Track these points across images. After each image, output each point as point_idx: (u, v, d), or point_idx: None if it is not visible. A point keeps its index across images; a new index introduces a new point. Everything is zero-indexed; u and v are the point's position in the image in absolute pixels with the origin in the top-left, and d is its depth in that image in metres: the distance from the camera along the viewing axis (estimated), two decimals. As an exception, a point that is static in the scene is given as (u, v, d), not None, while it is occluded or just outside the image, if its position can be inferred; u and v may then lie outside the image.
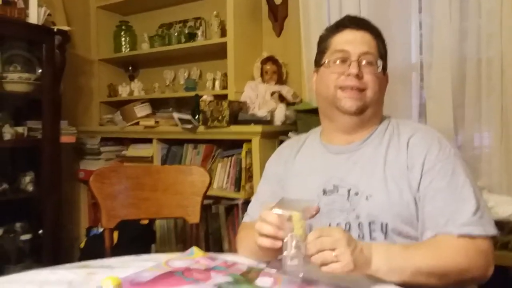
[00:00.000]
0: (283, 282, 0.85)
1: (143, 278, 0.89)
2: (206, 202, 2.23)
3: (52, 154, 2.40)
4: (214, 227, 2.36)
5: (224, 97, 2.44)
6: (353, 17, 1.17)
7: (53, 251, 2.35)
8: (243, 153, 2.22)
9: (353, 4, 2.14)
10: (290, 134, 2.13)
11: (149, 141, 2.67)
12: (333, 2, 2.24)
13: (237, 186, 2.26)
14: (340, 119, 1.11)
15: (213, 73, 2.67)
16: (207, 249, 2.29)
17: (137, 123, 2.67)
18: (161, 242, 2.55)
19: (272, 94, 2.35)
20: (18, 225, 2.37)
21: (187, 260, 1.01)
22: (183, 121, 2.36)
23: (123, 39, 3.13)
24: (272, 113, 2.24)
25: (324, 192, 1.06)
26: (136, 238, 2.36)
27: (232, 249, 2.18)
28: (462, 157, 1.06)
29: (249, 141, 2.19)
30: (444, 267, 0.89)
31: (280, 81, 2.47)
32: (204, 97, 2.33)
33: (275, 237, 0.84)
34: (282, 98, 2.35)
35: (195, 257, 1.03)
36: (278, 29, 2.57)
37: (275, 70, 2.45)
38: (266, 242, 0.85)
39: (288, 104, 2.33)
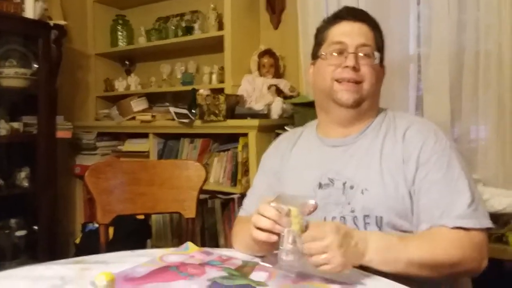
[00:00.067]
0: (278, 276, 0.85)
1: (137, 274, 0.88)
2: (202, 196, 2.23)
3: (47, 149, 2.39)
4: (210, 222, 2.36)
5: (221, 90, 2.43)
6: (351, 9, 1.15)
7: (48, 247, 2.34)
8: (240, 147, 2.21)
9: (351, -4, 2.12)
10: (287, 127, 2.11)
11: (145, 135, 2.66)
12: (331, -6, 2.22)
13: (234, 180, 2.25)
14: (337, 112, 1.10)
15: (210, 66, 2.66)
16: (203, 244, 2.29)
17: (134, 118, 2.66)
18: (157, 237, 2.55)
19: (269, 87, 2.33)
20: (13, 221, 2.36)
21: (182, 255, 1.00)
22: (179, 115, 2.35)
23: (119, 33, 3.11)
24: (269, 106, 2.22)
25: (320, 185, 1.05)
26: (132, 233, 2.35)
27: (228, 244, 2.18)
28: (458, 149, 1.05)
29: (246, 135, 2.18)
30: (438, 260, 0.89)
31: (277, 74, 2.45)
32: (201, 91, 2.31)
33: (271, 231, 0.84)
34: (279, 92, 2.34)
35: (190, 252, 1.03)
36: (276, 22, 2.55)
37: (272, 63, 2.43)
38: (262, 236, 0.85)
39: (285, 97, 2.31)
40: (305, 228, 0.81)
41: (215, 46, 2.54)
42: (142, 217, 2.45)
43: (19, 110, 2.42)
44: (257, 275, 0.87)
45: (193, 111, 2.34)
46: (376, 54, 1.09)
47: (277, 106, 2.22)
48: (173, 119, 2.39)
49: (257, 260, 0.96)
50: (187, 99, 2.51)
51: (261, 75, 2.42)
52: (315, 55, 1.16)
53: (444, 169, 0.98)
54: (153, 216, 2.53)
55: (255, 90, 2.35)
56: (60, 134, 2.53)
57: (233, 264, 0.94)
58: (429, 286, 0.94)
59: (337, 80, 1.07)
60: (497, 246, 1.61)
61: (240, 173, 2.21)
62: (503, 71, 1.79)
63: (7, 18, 2.23)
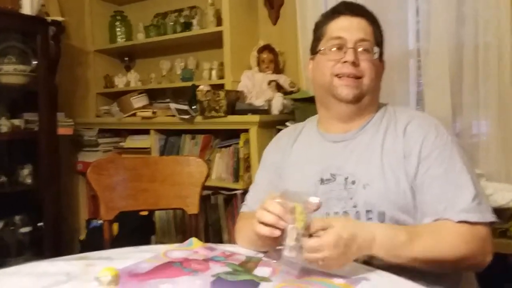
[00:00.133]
0: (282, 272, 0.85)
1: (141, 269, 0.89)
2: (205, 193, 2.24)
3: (49, 146, 2.40)
4: (214, 218, 2.37)
5: (221, 86, 2.43)
6: (349, 3, 1.15)
7: (53, 244, 2.35)
8: (241, 143, 2.22)
9: (349, -10, 2.12)
10: (287, 123, 2.12)
11: (146, 132, 2.66)
12: (330, -11, 2.21)
13: (236, 176, 2.26)
14: (337, 107, 1.10)
15: (210, 62, 2.66)
16: (207, 240, 2.30)
17: (134, 114, 2.66)
18: (161, 233, 2.56)
19: (269, 83, 2.33)
20: (17, 218, 2.37)
21: (186, 250, 1.01)
22: (180, 111, 2.35)
23: (118, 29, 3.10)
24: (269, 102, 2.23)
25: (322, 181, 1.06)
26: (136, 230, 2.37)
27: (232, 240, 2.18)
28: (460, 143, 1.05)
29: (247, 131, 2.18)
30: (442, 255, 0.90)
31: (277, 70, 2.45)
32: (201, 87, 2.31)
33: (275, 227, 0.84)
34: (279, 87, 2.34)
35: (194, 247, 1.03)
36: (274, 17, 2.55)
37: (272, 59, 2.43)
38: (265, 230, 0.85)
39: (286, 93, 2.31)
40: (308, 226, 0.82)
41: (214, 41, 2.54)
42: (146, 213, 2.46)
43: (20, 107, 2.42)
44: (261, 271, 0.87)
45: (193, 107, 2.34)
46: (376, 49, 1.09)
47: (278, 102, 2.23)
48: (174, 115, 2.39)
49: (261, 255, 0.97)
50: (187, 95, 2.51)
51: (260, 70, 2.41)
52: (314, 50, 1.16)
53: (446, 164, 0.98)
54: (157, 213, 2.54)
55: (255, 85, 2.35)
56: (62, 131, 2.53)
57: (236, 259, 0.95)
58: (433, 277, 0.95)
59: (336, 75, 1.07)
60: (501, 240, 1.61)
61: (242, 169, 2.22)
62: (502, 64, 1.79)
63: (4, 15, 2.22)
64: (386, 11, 2.03)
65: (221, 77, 2.56)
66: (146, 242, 2.46)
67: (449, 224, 0.92)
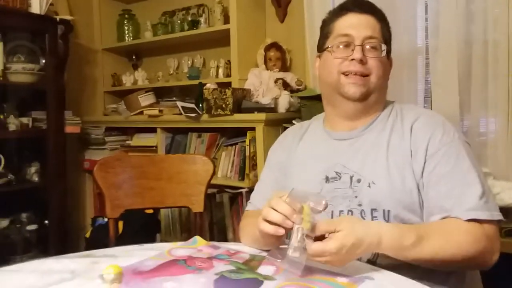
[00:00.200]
0: (286, 270, 0.85)
1: (146, 267, 0.89)
2: (210, 191, 2.24)
3: (57, 144, 2.41)
4: (219, 216, 2.36)
5: (228, 84, 2.43)
6: (357, 0, 1.13)
7: (59, 241, 2.37)
8: (247, 141, 2.21)
9: (357, -12, 2.10)
10: (294, 121, 2.11)
11: (153, 130, 2.67)
12: (337, -14, 2.20)
13: (241, 174, 2.26)
14: (344, 105, 1.09)
15: (217, 60, 2.66)
16: (211, 238, 2.29)
17: (141, 113, 2.67)
18: (166, 231, 2.56)
19: (276, 81, 2.33)
20: (24, 215, 2.39)
21: (190, 248, 1.01)
22: (186, 109, 2.35)
23: (126, 27, 3.11)
24: (276, 100, 2.22)
25: (327, 179, 1.05)
26: (141, 228, 2.38)
27: (237, 238, 2.18)
28: (467, 141, 1.04)
29: (253, 129, 2.18)
30: (452, 255, 0.88)
31: (284, 67, 2.44)
32: (208, 85, 2.31)
33: (280, 226, 0.84)
34: (286, 85, 2.33)
35: (198, 245, 1.03)
36: (282, 15, 2.54)
37: (279, 56, 2.42)
38: (269, 228, 0.85)
39: (292, 91, 2.31)
40: (314, 227, 0.81)
41: (221, 40, 2.54)
42: (151, 211, 2.47)
43: (28, 106, 2.44)
44: (264, 269, 0.87)
45: (200, 105, 2.34)
46: (383, 46, 1.07)
47: (284, 100, 2.22)
48: (181, 114, 2.40)
49: (265, 254, 0.96)
50: (194, 93, 2.51)
51: (267, 68, 2.41)
52: (321, 48, 1.15)
53: (453, 161, 0.97)
54: (162, 211, 2.55)
55: (262, 83, 2.35)
56: (69, 129, 2.55)
57: (240, 258, 0.94)
58: (438, 276, 0.94)
59: (343, 73, 1.06)
60: (508, 240, 1.59)
61: (248, 167, 2.21)
62: (512, 61, 1.77)
63: (13, 14, 2.24)
64: (395, 8, 2.02)
65: (228, 75, 2.56)
66: (151, 240, 2.46)
67: (457, 223, 0.91)
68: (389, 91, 1.15)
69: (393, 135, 1.04)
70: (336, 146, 1.10)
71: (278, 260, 0.86)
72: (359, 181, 1.01)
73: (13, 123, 2.29)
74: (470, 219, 0.90)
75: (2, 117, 2.28)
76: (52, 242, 2.37)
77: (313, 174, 1.07)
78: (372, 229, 0.86)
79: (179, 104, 2.39)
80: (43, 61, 2.41)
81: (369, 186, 1.00)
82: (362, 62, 1.05)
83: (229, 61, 2.54)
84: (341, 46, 1.07)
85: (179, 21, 2.82)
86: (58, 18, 2.43)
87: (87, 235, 2.62)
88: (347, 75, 1.06)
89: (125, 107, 2.77)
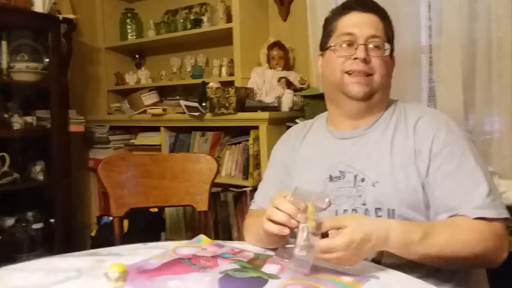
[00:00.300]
0: (290, 269, 0.85)
1: (150, 266, 0.89)
2: (214, 190, 2.24)
3: (61, 143, 2.42)
4: (223, 215, 2.37)
5: (231, 83, 2.43)
6: None
7: (64, 240, 2.38)
8: (251, 140, 2.22)
9: (360, -14, 2.10)
10: (297, 120, 2.11)
11: (157, 129, 2.68)
12: (340, -15, 2.19)
13: (245, 173, 2.26)
14: (347, 105, 1.09)
15: (220, 59, 2.66)
16: (216, 237, 2.30)
17: (145, 111, 2.68)
18: (170, 230, 2.57)
19: (279, 80, 2.33)
20: (29, 214, 2.40)
21: (194, 247, 1.01)
22: (190, 108, 2.36)
23: (129, 26, 3.12)
24: (279, 99, 2.22)
25: (331, 178, 1.05)
26: (146, 226, 2.38)
27: (241, 237, 2.19)
28: (471, 139, 1.04)
29: (256, 128, 2.18)
30: (459, 253, 0.88)
31: (287, 66, 2.44)
32: (211, 84, 2.32)
33: (284, 225, 0.84)
34: (289, 84, 2.33)
35: (202, 244, 1.04)
36: (285, 13, 2.54)
37: (282, 55, 2.42)
38: (274, 228, 0.85)
39: (296, 90, 2.31)
40: (319, 225, 0.82)
41: (224, 38, 2.54)
42: (156, 210, 2.48)
43: (32, 104, 2.45)
44: (269, 268, 0.87)
45: (203, 104, 2.35)
46: (387, 45, 1.07)
47: (287, 99, 2.22)
48: (184, 113, 2.40)
49: (269, 253, 0.97)
50: (197, 92, 2.52)
51: (270, 67, 2.41)
52: (323, 46, 1.14)
53: (458, 160, 0.97)
54: (167, 210, 2.56)
55: (265, 82, 2.35)
56: (73, 128, 2.56)
57: (245, 256, 0.95)
58: (444, 275, 0.94)
59: (347, 72, 1.06)
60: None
61: (251, 166, 2.22)
62: (516, 59, 1.76)
63: (17, 13, 2.25)
64: (398, 6, 2.01)
65: (231, 74, 2.57)
66: (156, 238, 2.47)
67: (465, 220, 0.91)
68: (393, 90, 1.15)
69: (397, 134, 1.04)
70: (340, 145, 1.10)
71: (285, 260, 0.86)
72: (363, 180, 1.01)
73: (17, 122, 2.30)
74: (478, 218, 0.90)
75: (6, 116, 2.29)
76: (57, 241, 2.38)
77: (317, 173, 1.07)
78: (379, 224, 0.87)
79: (183, 103, 2.40)
80: (47, 60, 2.42)
81: (373, 185, 0.99)
82: (366, 61, 1.04)
83: (232, 60, 2.54)
84: (344, 45, 1.07)
85: (181, 20, 2.82)
86: (61, 17, 2.44)
87: (93, 233, 2.64)
88: (350, 74, 1.06)
89: (128, 106, 2.77)
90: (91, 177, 2.98)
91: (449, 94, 1.91)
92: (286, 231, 0.84)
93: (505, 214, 0.93)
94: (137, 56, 3.22)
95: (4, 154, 2.25)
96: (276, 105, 2.20)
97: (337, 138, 1.12)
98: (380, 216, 0.98)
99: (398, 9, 1.99)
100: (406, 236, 0.86)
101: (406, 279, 0.83)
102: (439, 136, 0.99)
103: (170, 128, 2.64)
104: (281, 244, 0.89)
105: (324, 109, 1.22)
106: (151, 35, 2.95)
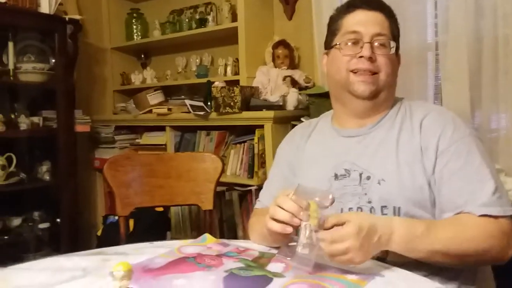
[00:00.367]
0: (295, 268, 0.85)
1: (155, 264, 0.89)
2: (219, 189, 2.24)
3: (67, 143, 2.43)
4: (228, 214, 2.37)
5: (236, 82, 2.43)
6: None
7: (71, 239, 2.40)
8: (256, 139, 2.22)
9: (366, -16, 2.09)
10: (302, 119, 2.11)
11: (162, 128, 2.68)
12: (345, -17, 2.18)
13: (250, 172, 2.26)
14: (353, 103, 1.09)
15: (225, 58, 2.66)
16: (222, 236, 2.31)
17: (150, 111, 2.68)
18: (176, 229, 2.58)
19: (284, 78, 2.32)
20: (36, 214, 2.42)
21: (199, 246, 1.01)
22: (195, 107, 2.36)
23: (134, 26, 3.13)
24: (284, 98, 2.22)
25: (336, 176, 1.05)
26: (152, 226, 2.39)
27: (246, 236, 2.19)
28: (478, 136, 1.03)
29: (262, 126, 2.18)
30: (465, 249, 0.88)
31: (292, 65, 2.44)
32: (216, 83, 2.32)
33: (287, 224, 0.84)
34: (294, 83, 2.32)
35: (207, 243, 1.04)
36: (290, 12, 2.53)
37: (287, 54, 2.42)
38: (277, 227, 0.85)
39: (301, 88, 2.30)
40: (322, 223, 0.81)
41: (229, 38, 2.54)
42: (161, 209, 2.48)
43: (39, 105, 2.47)
44: (274, 266, 0.87)
45: (208, 103, 2.35)
46: (392, 43, 1.06)
47: (293, 97, 2.22)
48: (189, 112, 2.40)
49: (274, 251, 0.97)
50: (202, 91, 2.52)
51: (275, 66, 2.41)
52: (328, 45, 1.14)
53: (464, 158, 0.96)
54: (172, 209, 2.56)
55: (270, 81, 2.35)
56: (79, 128, 2.57)
57: (250, 255, 0.95)
58: (449, 273, 0.94)
59: (352, 71, 1.05)
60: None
61: (256, 165, 2.22)
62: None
63: (23, 14, 2.27)
64: (404, 4, 2.00)
65: (236, 73, 2.57)
66: (162, 238, 2.48)
67: (470, 218, 0.91)
68: (399, 88, 1.15)
69: (403, 132, 1.04)
70: (345, 143, 1.09)
71: (288, 258, 0.86)
72: (368, 178, 1.01)
73: (24, 122, 2.31)
74: (483, 215, 0.90)
75: (13, 116, 2.30)
76: (64, 240, 2.39)
77: (322, 171, 1.07)
78: (382, 220, 0.89)
79: (188, 102, 2.40)
80: (53, 60, 2.44)
81: (379, 183, 0.99)
82: (371, 59, 1.04)
83: (237, 59, 2.54)
84: (349, 43, 1.06)
85: (187, 20, 2.83)
86: (67, 17, 2.45)
87: (99, 233, 2.65)
88: (356, 72, 1.05)
89: (134, 105, 2.78)
90: (97, 177, 2.99)
91: (455, 91, 1.89)
92: (289, 229, 0.84)
93: (511, 211, 0.92)
94: (142, 56, 3.23)
95: (11, 154, 2.27)
96: (281, 104, 2.19)
97: (342, 136, 1.12)
98: (386, 214, 0.98)
99: (404, 7, 1.98)
100: (410, 230, 0.87)
101: (411, 277, 0.83)
102: (446, 133, 0.99)
103: (175, 128, 2.65)
104: (285, 242, 0.88)
105: (329, 107, 1.22)
106: (156, 35, 2.96)
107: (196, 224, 2.54)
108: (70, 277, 0.86)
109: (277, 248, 0.97)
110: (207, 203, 1.56)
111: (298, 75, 2.36)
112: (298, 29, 2.50)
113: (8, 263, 0.94)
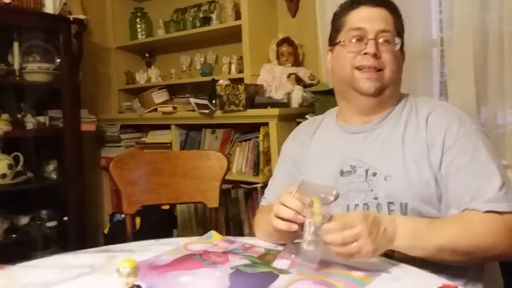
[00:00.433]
0: (300, 264, 0.85)
1: (162, 262, 0.90)
2: (225, 186, 2.25)
3: (73, 142, 2.45)
4: (234, 212, 2.37)
5: (240, 80, 2.43)
6: None
7: (78, 237, 2.41)
8: (261, 136, 2.22)
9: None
10: (307, 116, 2.11)
11: (167, 127, 2.69)
12: (349, -21, 2.17)
13: (256, 170, 2.26)
14: (358, 100, 1.08)
15: (229, 57, 2.66)
16: (228, 233, 2.31)
17: (155, 110, 2.69)
18: (182, 227, 2.58)
19: (289, 76, 2.32)
20: (43, 212, 2.43)
21: (205, 243, 1.02)
22: (200, 106, 2.37)
23: (138, 25, 3.14)
24: (289, 95, 2.22)
25: (342, 173, 1.05)
26: (158, 224, 2.40)
27: (252, 233, 2.19)
28: (485, 132, 1.03)
29: (266, 124, 2.18)
30: (470, 245, 0.88)
31: (297, 62, 2.44)
32: (220, 81, 2.32)
33: (292, 221, 0.84)
34: (298, 80, 2.32)
35: (213, 240, 1.04)
36: (293, 9, 2.53)
37: (291, 51, 2.41)
38: (282, 225, 0.85)
39: (305, 85, 2.30)
40: (326, 219, 0.81)
41: (233, 36, 2.54)
42: (167, 207, 2.49)
43: (44, 105, 2.48)
44: (279, 263, 0.87)
45: (213, 101, 2.35)
46: (397, 40, 1.06)
47: (297, 95, 2.21)
48: (194, 110, 2.41)
49: (280, 248, 0.97)
50: (207, 89, 2.52)
51: (280, 63, 2.40)
52: (332, 42, 1.14)
53: (470, 153, 0.96)
54: (178, 207, 2.57)
55: (275, 79, 2.34)
56: (85, 127, 2.58)
57: (255, 252, 0.95)
58: (456, 270, 0.93)
59: (357, 68, 1.05)
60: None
61: (262, 162, 2.22)
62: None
63: (28, 14, 2.27)
64: (408, 0, 1.99)
65: (240, 71, 2.57)
66: (168, 235, 2.48)
67: (475, 214, 0.90)
68: (404, 85, 1.14)
69: (408, 128, 1.03)
70: (350, 139, 1.09)
71: (293, 255, 0.86)
72: (374, 174, 1.00)
73: (30, 122, 2.33)
74: (490, 211, 0.89)
75: (19, 116, 2.32)
76: (71, 239, 2.41)
77: (328, 168, 1.07)
78: (385, 215, 0.90)
79: (193, 100, 2.41)
80: (58, 60, 2.44)
81: (385, 180, 0.99)
82: (376, 56, 1.03)
83: (241, 57, 2.54)
84: (353, 40, 1.06)
85: (191, 18, 2.83)
86: (71, 17, 2.45)
87: (106, 231, 2.66)
88: (360, 69, 1.05)
89: (139, 104, 2.79)
90: (104, 175, 3.00)
91: (461, 87, 1.88)
92: (295, 227, 0.84)
93: None
94: (147, 55, 3.24)
95: (18, 153, 2.28)
96: (285, 101, 2.19)
97: (347, 132, 1.11)
98: (393, 210, 0.98)
99: (408, 3, 1.96)
100: (414, 225, 0.88)
101: (418, 273, 0.83)
102: (452, 129, 0.98)
103: (180, 126, 2.65)
104: (291, 239, 0.89)
105: (334, 104, 1.22)
106: (160, 33, 2.97)
107: (202, 222, 2.55)
108: (77, 274, 0.87)
109: (283, 245, 0.97)
110: (213, 201, 1.57)
111: (302, 72, 2.36)
112: (302, 26, 2.49)
113: (16, 261, 0.95)
